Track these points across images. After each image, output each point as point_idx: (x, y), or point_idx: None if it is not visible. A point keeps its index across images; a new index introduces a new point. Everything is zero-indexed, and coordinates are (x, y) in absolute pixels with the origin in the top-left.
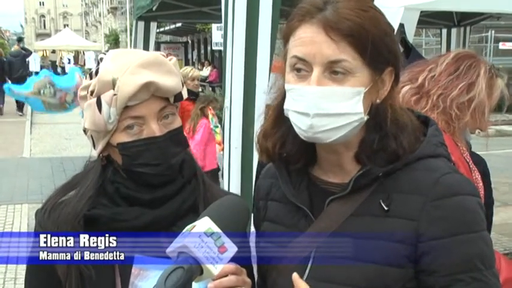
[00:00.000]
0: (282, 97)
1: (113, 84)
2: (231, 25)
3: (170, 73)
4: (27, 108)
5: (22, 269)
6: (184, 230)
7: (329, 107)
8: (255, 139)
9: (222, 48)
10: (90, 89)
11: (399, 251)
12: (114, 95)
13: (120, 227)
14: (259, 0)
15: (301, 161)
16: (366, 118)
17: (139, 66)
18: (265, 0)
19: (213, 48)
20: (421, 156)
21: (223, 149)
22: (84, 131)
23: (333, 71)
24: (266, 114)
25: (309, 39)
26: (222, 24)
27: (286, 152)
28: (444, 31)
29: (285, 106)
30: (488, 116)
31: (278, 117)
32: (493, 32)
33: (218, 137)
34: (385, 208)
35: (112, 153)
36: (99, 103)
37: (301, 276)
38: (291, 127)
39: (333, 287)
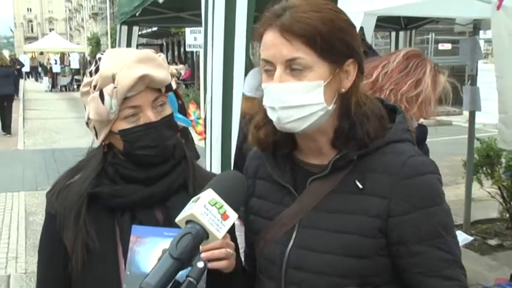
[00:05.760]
0: None
1: (113, 78)
2: (211, 29)
3: (161, 67)
4: (19, 114)
5: (23, 249)
6: (190, 202)
7: (290, 99)
8: (233, 128)
9: (194, 49)
10: (93, 84)
11: (372, 224)
12: (115, 87)
13: (119, 202)
14: (235, 8)
15: (288, 146)
16: (331, 107)
17: (135, 62)
18: (241, 8)
19: (187, 49)
20: (389, 141)
21: (205, 138)
22: (87, 123)
23: (292, 68)
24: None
25: (270, 43)
26: (203, 28)
27: (276, 139)
28: (393, 34)
29: (263, 102)
30: (435, 107)
31: (265, 111)
32: (433, 34)
33: (199, 128)
34: (360, 187)
35: (113, 140)
36: (101, 96)
37: (286, 246)
38: None
39: (314, 255)
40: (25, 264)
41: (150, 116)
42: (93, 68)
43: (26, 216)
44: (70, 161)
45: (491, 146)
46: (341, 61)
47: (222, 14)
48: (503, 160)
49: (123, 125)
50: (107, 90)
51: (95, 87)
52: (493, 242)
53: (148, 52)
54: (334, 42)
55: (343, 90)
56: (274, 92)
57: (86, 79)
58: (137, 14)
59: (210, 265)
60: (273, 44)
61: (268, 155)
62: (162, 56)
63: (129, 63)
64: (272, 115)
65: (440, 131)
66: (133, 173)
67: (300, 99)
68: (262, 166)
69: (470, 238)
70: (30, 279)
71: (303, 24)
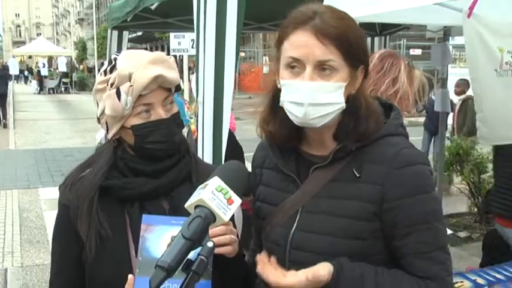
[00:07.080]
0: (273, 91)
1: (130, 77)
2: (202, 34)
3: (172, 68)
4: (9, 114)
5: (18, 244)
6: (198, 188)
7: (320, 98)
8: (224, 126)
9: (178, 53)
10: (110, 82)
11: (368, 208)
12: (131, 86)
13: (129, 194)
14: (226, 14)
15: (295, 140)
16: (344, 106)
17: (149, 63)
18: (231, 14)
19: (171, 53)
20: (384, 135)
21: (197, 136)
22: (98, 118)
23: (322, 68)
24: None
25: (303, 43)
26: (195, 33)
27: (285, 133)
28: (368, 39)
29: (281, 98)
30: (413, 101)
31: (273, 107)
32: (405, 40)
33: (193, 126)
34: (357, 175)
35: (124, 134)
36: (118, 93)
37: (290, 229)
38: (285, 115)
39: (315, 237)
40: (21, 259)
41: (161, 113)
42: (107, 67)
43: (20, 213)
44: (60, 160)
45: (460, 144)
46: (358, 65)
47: (214, 19)
48: (471, 158)
49: (135, 121)
50: (123, 88)
51: (112, 85)
52: (462, 234)
53: (161, 54)
54: (358, 48)
55: (353, 92)
56: (305, 89)
57: (100, 78)
58: (128, 20)
59: (217, 250)
60: (306, 44)
61: (275, 147)
62: (172, 58)
63: (144, 63)
64: (297, 110)
65: (413, 131)
66: (142, 167)
67: (327, 98)
68: (269, 157)
69: (449, 231)
70: (26, 272)
71: (337, 30)
